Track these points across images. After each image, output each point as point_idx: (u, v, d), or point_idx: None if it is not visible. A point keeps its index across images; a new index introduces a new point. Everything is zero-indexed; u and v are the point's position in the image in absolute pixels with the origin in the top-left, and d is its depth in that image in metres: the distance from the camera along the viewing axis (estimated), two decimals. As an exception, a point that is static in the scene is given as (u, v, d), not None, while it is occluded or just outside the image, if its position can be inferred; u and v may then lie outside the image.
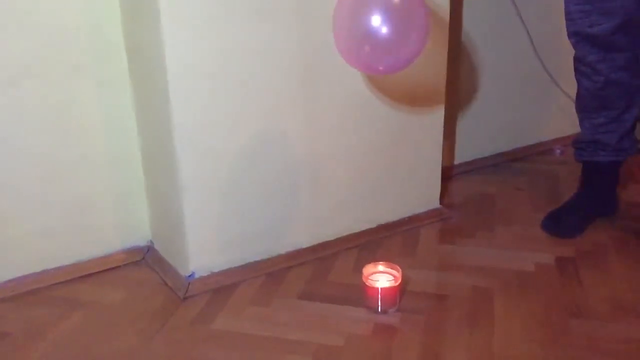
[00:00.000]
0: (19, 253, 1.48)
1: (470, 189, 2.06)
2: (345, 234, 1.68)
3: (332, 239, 1.66)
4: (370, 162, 1.66)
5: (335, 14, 1.18)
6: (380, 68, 1.19)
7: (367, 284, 1.38)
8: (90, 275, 1.55)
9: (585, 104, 1.69)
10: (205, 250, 1.48)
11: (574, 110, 1.77)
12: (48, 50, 1.39)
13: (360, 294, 1.42)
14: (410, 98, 1.67)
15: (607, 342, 1.27)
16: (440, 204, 1.87)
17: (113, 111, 1.51)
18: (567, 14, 1.59)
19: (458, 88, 2.09)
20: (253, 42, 1.39)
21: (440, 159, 1.81)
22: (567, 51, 1.67)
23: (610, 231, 1.72)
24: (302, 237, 1.62)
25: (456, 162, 2.19)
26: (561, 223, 1.73)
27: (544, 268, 1.55)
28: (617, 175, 1.77)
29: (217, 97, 1.39)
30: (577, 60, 1.64)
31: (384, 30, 1.11)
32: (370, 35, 1.12)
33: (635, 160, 1.80)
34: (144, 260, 1.62)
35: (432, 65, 1.69)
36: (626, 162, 1.75)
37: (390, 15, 1.11)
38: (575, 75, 1.68)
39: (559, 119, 2.39)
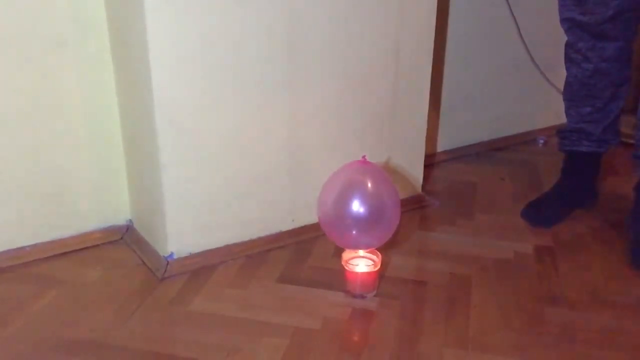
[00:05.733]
0: (-5, 229, 1.47)
1: (452, 177, 2.06)
2: (326, 218, 1.68)
3: (312, 222, 1.66)
4: (353, 147, 1.66)
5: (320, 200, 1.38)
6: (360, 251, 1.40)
7: (346, 268, 1.38)
8: (67, 253, 1.53)
9: (573, 92, 1.70)
10: (184, 231, 1.47)
11: (558, 101, 1.78)
12: (27, 23, 1.36)
13: (339, 279, 1.42)
14: (393, 84, 1.66)
15: (581, 330, 1.28)
16: (422, 190, 1.87)
17: (94, 87, 1.48)
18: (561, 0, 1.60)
19: (443, 75, 2.09)
20: (237, 23, 1.37)
21: (424, 146, 1.81)
22: (554, 41, 1.67)
23: (589, 222, 1.74)
24: (282, 220, 1.61)
25: (439, 149, 2.20)
26: (541, 212, 1.74)
27: (523, 256, 1.56)
28: (599, 166, 1.79)
29: (200, 78, 1.37)
30: (568, 46, 1.65)
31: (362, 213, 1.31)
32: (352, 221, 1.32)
33: (617, 153, 1.81)
34: (123, 239, 1.61)
35: (418, 53, 1.68)
36: (607, 154, 1.77)
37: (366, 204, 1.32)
38: (565, 61, 1.68)
39: (543, 109, 2.40)
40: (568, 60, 1.67)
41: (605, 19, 1.52)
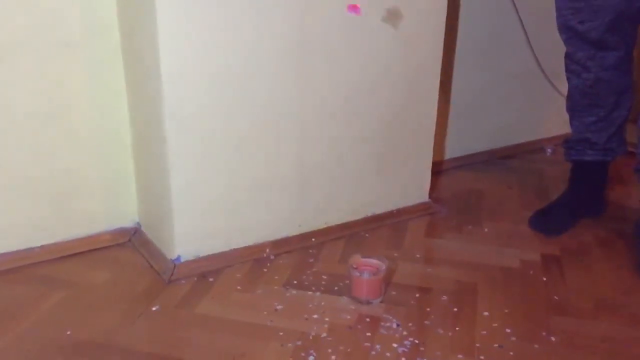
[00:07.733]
0: (3, 230, 1.48)
1: (460, 185, 2.06)
2: (333, 224, 1.68)
3: (319, 228, 1.66)
4: (361, 153, 1.66)
5: None
6: None
7: (352, 274, 1.38)
8: (74, 255, 1.54)
9: (575, 103, 1.70)
10: (192, 234, 1.47)
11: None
12: (38, 26, 1.38)
13: (346, 284, 1.42)
14: (403, 91, 1.67)
15: (587, 339, 1.27)
16: (429, 198, 1.87)
17: (104, 90, 1.49)
18: (558, 10, 1.60)
19: (452, 83, 2.09)
20: (248, 30, 1.38)
21: (431, 153, 1.82)
22: (562, 50, 1.67)
23: (596, 231, 1.73)
24: (289, 225, 1.62)
25: (447, 157, 2.20)
26: (548, 221, 1.74)
27: (529, 265, 1.56)
28: (605, 175, 1.78)
29: (210, 82, 1.38)
30: (567, 57, 1.65)
31: None
32: None
33: (623, 162, 1.81)
34: (130, 242, 1.61)
35: (426, 60, 1.68)
36: (614, 163, 1.76)
37: None
38: (566, 73, 1.68)
39: (551, 118, 2.40)
40: (568, 71, 1.67)
41: (605, 26, 1.52)
